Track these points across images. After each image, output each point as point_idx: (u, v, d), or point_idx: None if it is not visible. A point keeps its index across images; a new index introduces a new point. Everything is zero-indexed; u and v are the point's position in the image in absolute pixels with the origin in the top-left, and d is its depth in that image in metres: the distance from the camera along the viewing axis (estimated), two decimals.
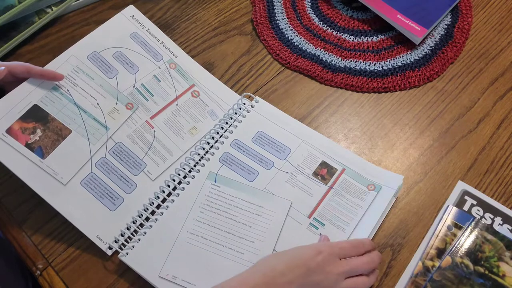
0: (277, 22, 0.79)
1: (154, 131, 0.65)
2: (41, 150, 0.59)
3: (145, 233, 0.58)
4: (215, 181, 0.62)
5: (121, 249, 0.57)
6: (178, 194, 0.61)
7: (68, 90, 0.64)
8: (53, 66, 0.65)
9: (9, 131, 0.59)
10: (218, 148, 0.64)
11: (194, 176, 0.62)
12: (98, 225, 0.58)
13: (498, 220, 0.59)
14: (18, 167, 0.57)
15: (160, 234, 0.58)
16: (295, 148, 0.64)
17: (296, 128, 0.66)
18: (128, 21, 0.72)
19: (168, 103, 0.67)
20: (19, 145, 0.58)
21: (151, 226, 0.58)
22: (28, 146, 0.59)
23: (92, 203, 0.59)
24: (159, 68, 0.69)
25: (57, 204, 0.58)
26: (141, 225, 0.59)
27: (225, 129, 0.66)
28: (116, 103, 0.65)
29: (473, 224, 0.58)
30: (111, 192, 0.60)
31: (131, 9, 0.73)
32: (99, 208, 0.59)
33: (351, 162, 0.63)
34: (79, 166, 0.60)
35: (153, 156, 0.63)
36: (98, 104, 0.64)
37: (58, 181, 0.58)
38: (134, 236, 0.58)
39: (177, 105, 0.67)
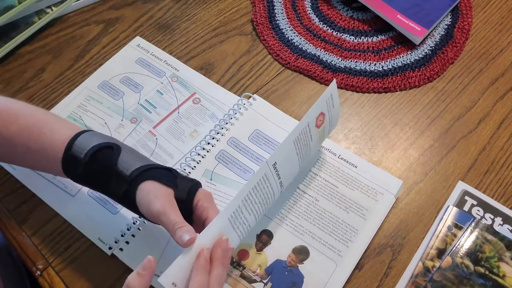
0: (277, 22, 0.79)
1: (157, 139, 0.66)
2: None
3: (139, 229, 0.58)
4: (211, 179, 0.62)
5: (118, 247, 0.57)
6: None
7: (80, 116, 0.69)
8: (68, 99, 0.71)
9: None
10: (215, 145, 0.64)
11: (189, 173, 0.62)
12: (100, 228, 0.59)
13: (498, 220, 0.59)
14: (37, 187, 0.63)
15: (155, 231, 0.58)
16: None
17: (292, 127, 0.66)
18: (134, 50, 0.76)
19: (170, 112, 0.69)
20: None
21: (145, 222, 0.58)
22: None
23: (96, 209, 0.60)
24: (162, 83, 0.72)
25: (67, 214, 0.61)
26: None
27: (226, 128, 0.66)
28: (122, 120, 0.69)
29: (473, 224, 0.58)
30: None
31: (137, 40, 0.77)
32: (102, 213, 0.60)
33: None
34: None
35: (154, 161, 0.63)
36: (105, 123, 0.69)
37: (67, 193, 0.62)
38: (134, 236, 0.58)
39: (178, 113, 0.69)
